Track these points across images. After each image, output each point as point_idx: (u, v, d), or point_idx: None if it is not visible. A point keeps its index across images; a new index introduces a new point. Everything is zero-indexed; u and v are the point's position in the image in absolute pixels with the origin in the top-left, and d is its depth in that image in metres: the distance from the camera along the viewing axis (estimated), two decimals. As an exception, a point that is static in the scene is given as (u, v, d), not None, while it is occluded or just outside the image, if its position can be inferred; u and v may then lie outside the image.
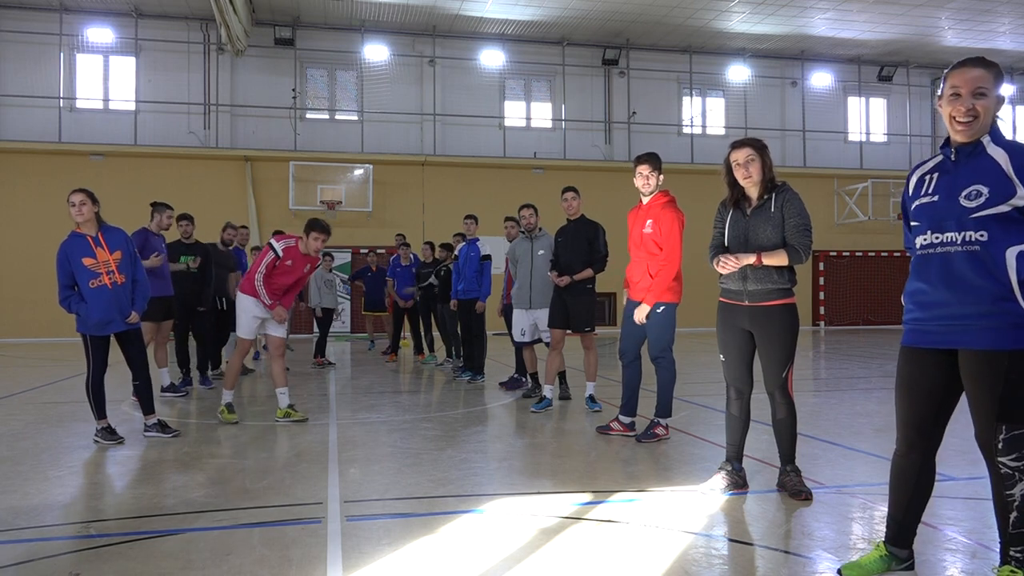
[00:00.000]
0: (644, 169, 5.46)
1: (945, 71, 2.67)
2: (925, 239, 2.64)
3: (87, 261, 5.43)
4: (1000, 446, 2.47)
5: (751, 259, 3.86)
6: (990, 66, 2.60)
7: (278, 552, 3.18)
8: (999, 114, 2.66)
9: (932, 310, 2.61)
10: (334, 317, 12.40)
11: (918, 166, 2.81)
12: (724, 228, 4.08)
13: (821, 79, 22.86)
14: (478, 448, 5.42)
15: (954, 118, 2.60)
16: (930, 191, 2.66)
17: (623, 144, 21.53)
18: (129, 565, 3.04)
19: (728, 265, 3.88)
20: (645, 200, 5.56)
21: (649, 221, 5.47)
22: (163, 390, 7.75)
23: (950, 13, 19.16)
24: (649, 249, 5.47)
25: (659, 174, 5.46)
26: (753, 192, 3.98)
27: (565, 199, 6.97)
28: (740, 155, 3.94)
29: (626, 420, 5.74)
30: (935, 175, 2.68)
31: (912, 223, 2.75)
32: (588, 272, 6.77)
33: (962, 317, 2.53)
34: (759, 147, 3.96)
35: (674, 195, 5.59)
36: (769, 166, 3.96)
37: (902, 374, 2.76)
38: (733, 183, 4.00)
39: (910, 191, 2.78)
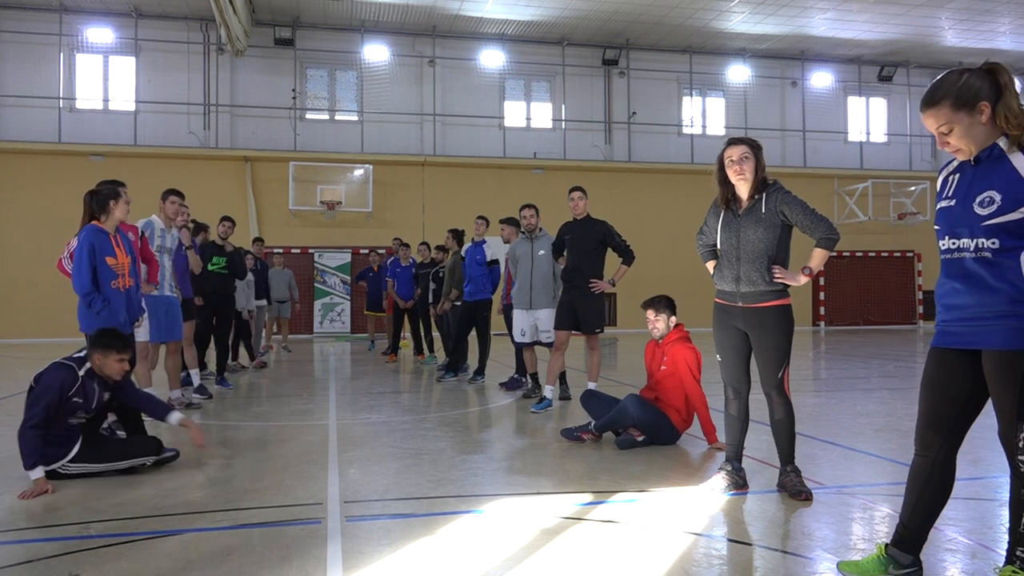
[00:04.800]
0: (650, 314, 5.53)
1: None
2: (944, 244, 2.66)
3: (109, 260, 5.36)
4: (1021, 444, 2.48)
5: (803, 279, 3.89)
6: (939, 101, 2.54)
7: (278, 552, 3.18)
8: None
9: (955, 312, 2.64)
10: (248, 316, 10.91)
11: (944, 165, 2.78)
12: (716, 227, 4.09)
13: (821, 79, 22.86)
14: (478, 448, 5.42)
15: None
16: (949, 194, 2.67)
17: (623, 144, 21.53)
18: (129, 565, 3.04)
19: (786, 279, 3.91)
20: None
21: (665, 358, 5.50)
22: (194, 391, 7.72)
23: (950, 13, 19.16)
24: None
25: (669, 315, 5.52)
26: (744, 191, 3.97)
27: (572, 199, 6.97)
28: (735, 152, 3.94)
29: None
30: (956, 176, 2.68)
31: (935, 226, 2.74)
32: (625, 270, 6.91)
33: (981, 318, 2.55)
34: (755, 146, 3.98)
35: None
36: (762, 167, 3.96)
37: (927, 373, 2.77)
38: (724, 181, 4.00)
39: (939, 191, 2.78)
